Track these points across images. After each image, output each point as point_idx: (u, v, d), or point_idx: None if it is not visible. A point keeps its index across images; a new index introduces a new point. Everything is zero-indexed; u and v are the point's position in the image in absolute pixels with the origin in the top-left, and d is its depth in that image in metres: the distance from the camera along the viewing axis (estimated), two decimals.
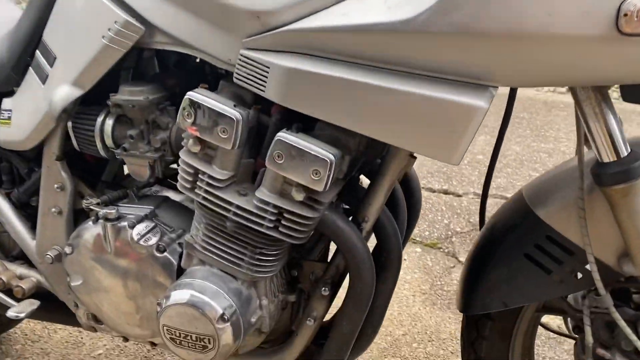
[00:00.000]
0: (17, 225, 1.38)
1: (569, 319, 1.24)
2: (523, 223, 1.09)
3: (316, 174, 0.93)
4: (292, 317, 1.26)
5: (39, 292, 1.42)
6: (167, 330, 1.08)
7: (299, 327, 1.20)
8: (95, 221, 1.19)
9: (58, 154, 1.26)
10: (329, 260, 1.21)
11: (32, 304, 1.32)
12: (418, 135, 0.87)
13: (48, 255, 1.33)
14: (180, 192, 1.37)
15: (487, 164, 1.20)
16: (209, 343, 1.06)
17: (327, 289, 1.12)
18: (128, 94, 1.12)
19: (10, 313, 1.29)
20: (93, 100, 1.20)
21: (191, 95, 0.97)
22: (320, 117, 0.91)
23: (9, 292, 1.39)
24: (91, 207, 1.19)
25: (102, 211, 1.16)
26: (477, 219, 2.60)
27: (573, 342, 1.22)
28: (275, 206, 0.98)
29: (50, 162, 1.27)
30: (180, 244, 1.17)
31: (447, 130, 0.85)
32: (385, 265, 1.14)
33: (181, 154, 1.03)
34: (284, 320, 1.25)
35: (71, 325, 1.59)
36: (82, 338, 1.96)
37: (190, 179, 1.02)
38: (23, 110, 1.23)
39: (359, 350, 1.25)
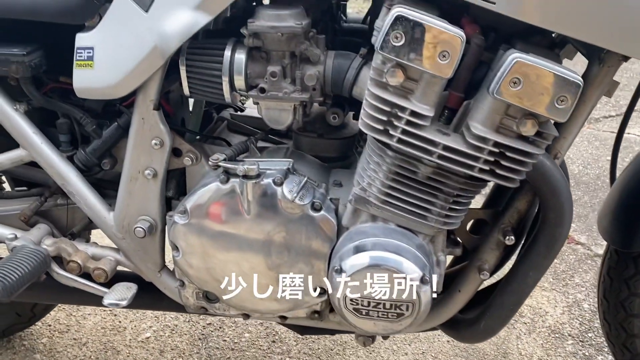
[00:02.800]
0: (89, 195, 1.13)
1: None
2: None
3: (562, 101, 0.78)
4: None
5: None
6: (350, 301, 0.91)
7: (462, 283, 1.07)
8: (225, 180, 0.98)
9: (156, 101, 1.02)
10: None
11: (130, 288, 1.09)
12: None
13: (139, 229, 1.10)
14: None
15: None
16: (407, 310, 0.91)
17: (511, 237, 1.00)
18: (275, 20, 0.90)
19: (109, 301, 1.05)
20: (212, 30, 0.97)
21: (401, 11, 0.78)
22: (570, 33, 0.77)
23: (86, 277, 1.15)
24: (220, 164, 0.97)
25: (242, 167, 0.95)
26: None
27: None
28: (496, 143, 0.83)
29: (147, 113, 1.02)
30: (331, 200, 1.00)
31: None
32: None
33: (371, 88, 0.84)
34: None
35: (159, 309, 1.34)
36: (120, 322, 1.72)
37: (384, 118, 0.84)
38: (114, 47, 0.96)
39: None
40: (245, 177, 0.96)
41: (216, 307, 1.13)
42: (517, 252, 1.09)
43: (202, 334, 1.67)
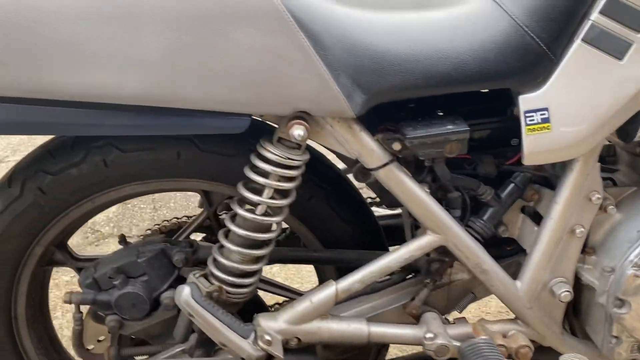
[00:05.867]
0: (498, 269, 1.02)
1: None
2: None
3: None
4: None
5: None
6: None
7: None
8: None
9: (599, 152, 0.94)
10: None
11: None
12: None
13: (565, 293, 1.01)
14: None
15: None
16: None
17: None
18: None
19: None
20: None
21: None
22: None
23: None
24: None
25: None
26: None
27: None
28: None
29: (592, 167, 0.94)
30: None
31: None
32: None
33: None
34: None
35: None
36: None
37: None
38: (578, 103, 0.88)
39: None
40: None
41: None
42: None
43: None
